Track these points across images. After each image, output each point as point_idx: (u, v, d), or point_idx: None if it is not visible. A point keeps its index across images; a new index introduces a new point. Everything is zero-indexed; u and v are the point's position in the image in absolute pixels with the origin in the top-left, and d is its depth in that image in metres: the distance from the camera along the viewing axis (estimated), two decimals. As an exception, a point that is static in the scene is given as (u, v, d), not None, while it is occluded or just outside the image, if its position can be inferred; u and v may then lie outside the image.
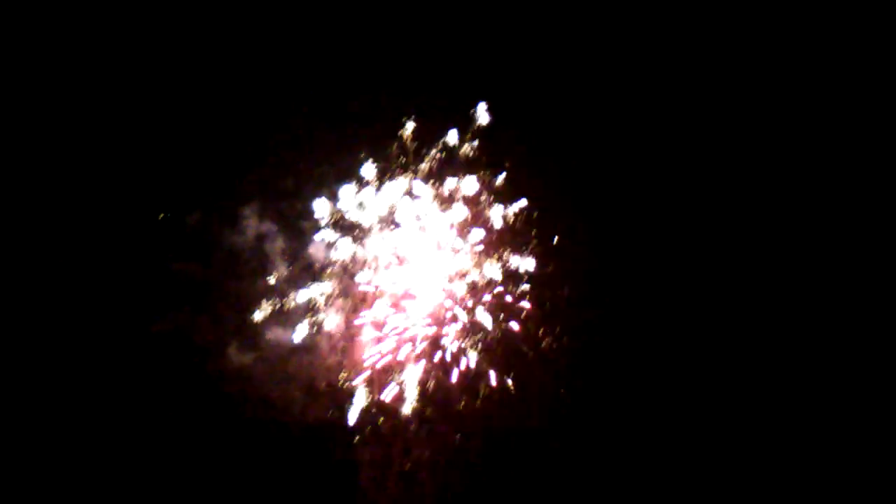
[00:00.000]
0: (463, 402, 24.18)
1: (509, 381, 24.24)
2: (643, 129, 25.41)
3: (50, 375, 24.31)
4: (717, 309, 24.90)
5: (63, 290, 24.75)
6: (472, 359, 24.13)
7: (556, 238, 24.52)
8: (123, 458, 24.19)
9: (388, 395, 24.20)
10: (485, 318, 24.25)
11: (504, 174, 24.69)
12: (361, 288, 24.55)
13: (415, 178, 24.54)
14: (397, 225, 24.55)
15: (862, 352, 24.42)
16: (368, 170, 24.56)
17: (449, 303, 24.36)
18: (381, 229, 24.57)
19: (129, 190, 25.15)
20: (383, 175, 24.55)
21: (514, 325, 24.43)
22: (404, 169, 24.61)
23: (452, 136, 24.62)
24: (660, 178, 25.28)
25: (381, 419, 24.34)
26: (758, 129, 25.48)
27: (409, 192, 24.52)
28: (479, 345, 24.15)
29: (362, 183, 24.60)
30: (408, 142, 24.66)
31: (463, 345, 24.18)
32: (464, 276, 24.46)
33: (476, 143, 24.71)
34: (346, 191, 24.52)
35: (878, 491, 23.49)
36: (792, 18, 25.13)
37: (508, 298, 24.45)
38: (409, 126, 24.60)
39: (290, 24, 25.24)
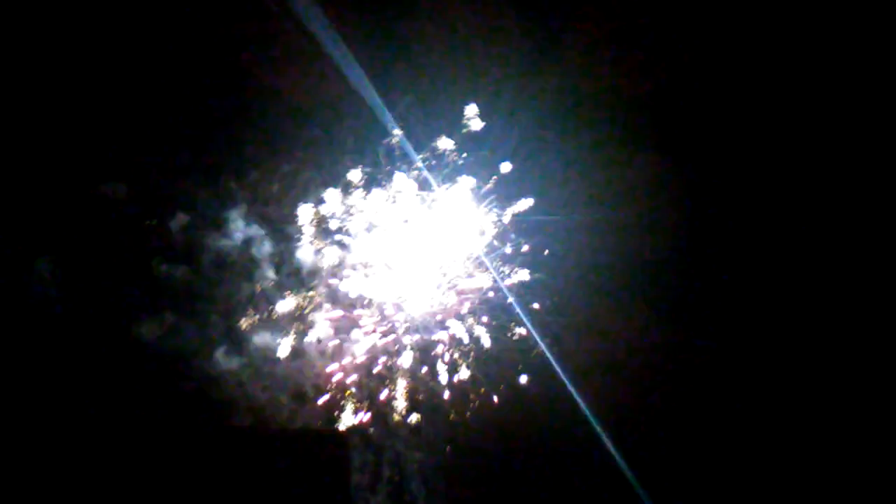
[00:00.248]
0: (453, 414, 24.05)
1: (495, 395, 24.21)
2: (635, 133, 25.12)
3: (32, 380, 23.85)
4: (708, 314, 24.87)
5: (47, 294, 24.32)
6: (463, 369, 23.97)
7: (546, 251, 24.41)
8: (106, 465, 23.73)
9: (377, 404, 24.02)
10: (475, 327, 24.10)
11: (495, 179, 24.48)
12: (349, 294, 24.23)
13: (404, 183, 24.21)
14: (386, 231, 24.24)
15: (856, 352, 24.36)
16: (356, 174, 24.28)
17: (439, 311, 24.14)
18: (369, 235, 24.27)
19: (114, 193, 24.73)
20: (371, 180, 24.29)
21: (505, 334, 24.34)
22: (392, 174, 24.30)
23: (443, 142, 24.24)
24: (653, 186, 25.01)
25: (371, 428, 24.20)
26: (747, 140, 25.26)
27: (398, 198, 24.22)
28: (471, 354, 23.97)
29: (350, 188, 24.30)
30: (396, 146, 24.33)
31: (454, 354, 23.94)
32: (454, 284, 24.19)
33: (465, 154, 24.44)
34: (334, 196, 24.21)
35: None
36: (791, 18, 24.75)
37: (500, 306, 24.35)
38: (398, 131, 24.29)
39: (275, 28, 24.79)
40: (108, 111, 24.82)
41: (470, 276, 24.19)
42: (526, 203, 24.36)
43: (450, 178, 24.24)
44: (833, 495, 23.79)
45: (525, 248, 24.46)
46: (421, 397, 24.03)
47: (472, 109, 24.27)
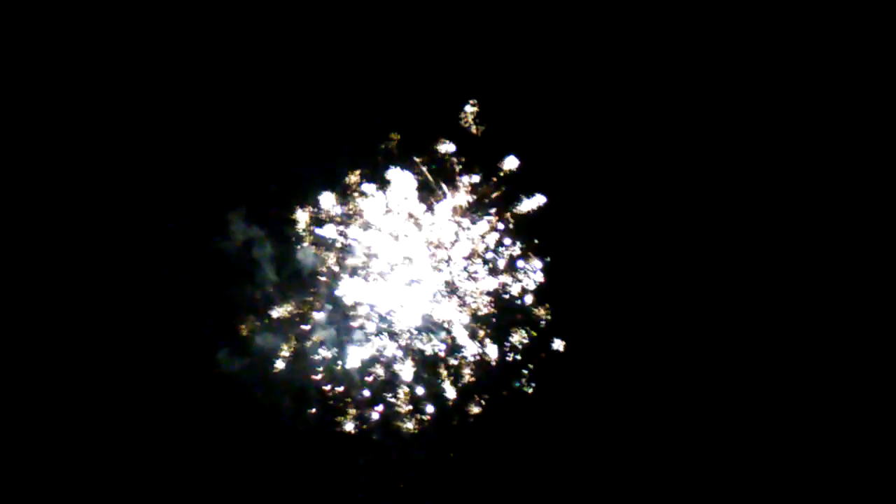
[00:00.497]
0: (456, 419, 24.04)
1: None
2: (637, 133, 25.02)
3: (35, 381, 24.00)
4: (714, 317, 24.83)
5: (49, 295, 24.37)
6: (465, 373, 23.91)
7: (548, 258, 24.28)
8: (109, 466, 24.00)
9: (380, 407, 23.99)
10: (478, 331, 24.03)
11: (495, 180, 24.33)
12: (350, 297, 24.01)
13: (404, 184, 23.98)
14: (386, 233, 24.11)
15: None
16: (355, 176, 24.17)
17: (439, 315, 24.04)
18: (369, 237, 24.12)
19: (115, 195, 24.79)
20: (371, 182, 24.15)
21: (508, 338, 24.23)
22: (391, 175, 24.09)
23: (442, 145, 24.12)
24: (654, 189, 24.98)
25: (374, 435, 24.19)
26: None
27: (398, 200, 24.06)
28: (472, 359, 23.90)
29: (350, 190, 24.18)
30: (395, 149, 24.21)
31: (456, 359, 23.90)
32: (454, 288, 24.11)
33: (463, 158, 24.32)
34: (333, 198, 24.12)
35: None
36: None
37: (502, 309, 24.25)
38: (395, 135, 24.18)
39: (272, 28, 24.64)
40: (107, 113, 24.80)
41: (471, 279, 24.04)
42: (529, 203, 24.23)
43: (450, 179, 24.15)
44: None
45: (532, 246, 24.36)
46: (423, 402, 23.92)
47: (470, 108, 24.13)
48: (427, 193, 24.12)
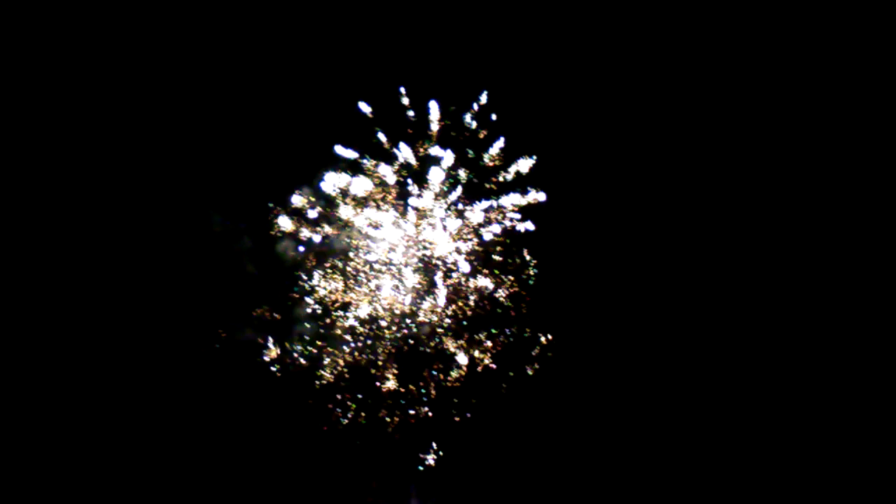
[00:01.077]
0: (443, 419, 23.90)
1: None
2: (633, 132, 24.91)
3: (26, 382, 23.94)
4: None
5: (37, 294, 24.33)
6: (451, 374, 23.83)
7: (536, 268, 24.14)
8: (100, 468, 23.92)
9: (368, 402, 23.92)
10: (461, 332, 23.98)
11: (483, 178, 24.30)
12: (335, 294, 24.01)
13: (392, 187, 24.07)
14: (370, 232, 24.06)
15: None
16: (339, 175, 24.05)
17: (424, 314, 23.93)
18: (353, 236, 24.06)
19: (105, 193, 24.76)
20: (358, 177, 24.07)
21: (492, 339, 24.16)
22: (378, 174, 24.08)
23: (433, 149, 24.10)
24: (651, 187, 24.88)
25: (359, 437, 24.13)
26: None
27: (384, 199, 24.01)
28: (458, 359, 23.82)
29: (338, 190, 24.08)
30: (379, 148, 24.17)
31: (441, 360, 23.83)
32: (439, 287, 23.98)
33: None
34: (323, 195, 24.05)
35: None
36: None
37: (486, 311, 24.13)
38: (382, 136, 24.10)
39: (262, 27, 24.59)
40: (93, 114, 24.82)
41: (458, 278, 23.97)
42: (518, 200, 24.10)
43: (436, 176, 24.03)
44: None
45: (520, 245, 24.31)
46: (408, 402, 23.82)
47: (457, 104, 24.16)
48: (413, 191, 24.08)
